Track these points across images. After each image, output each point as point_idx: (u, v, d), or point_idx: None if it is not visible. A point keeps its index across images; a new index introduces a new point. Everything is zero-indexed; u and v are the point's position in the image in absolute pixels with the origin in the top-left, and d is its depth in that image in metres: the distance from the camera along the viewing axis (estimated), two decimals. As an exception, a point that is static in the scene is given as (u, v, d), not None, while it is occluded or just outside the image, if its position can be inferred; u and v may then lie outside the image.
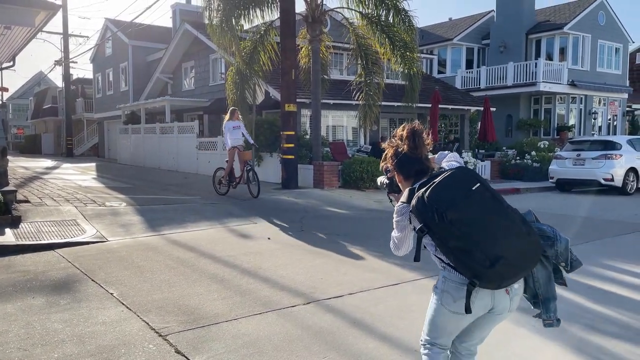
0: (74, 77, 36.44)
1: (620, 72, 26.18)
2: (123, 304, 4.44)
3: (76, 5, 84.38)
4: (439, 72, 26.38)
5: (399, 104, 14.79)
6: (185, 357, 3.39)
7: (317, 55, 12.97)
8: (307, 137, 14.11)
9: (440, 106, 16.41)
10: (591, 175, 12.69)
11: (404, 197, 2.34)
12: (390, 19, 13.08)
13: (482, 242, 2.04)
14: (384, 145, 2.57)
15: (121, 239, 7.17)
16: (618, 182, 12.42)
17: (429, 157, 2.47)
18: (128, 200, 10.51)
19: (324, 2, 13.04)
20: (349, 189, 12.31)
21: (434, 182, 2.18)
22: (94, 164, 23.88)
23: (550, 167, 13.85)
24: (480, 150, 18.38)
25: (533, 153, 16.37)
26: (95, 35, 35.49)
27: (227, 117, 11.10)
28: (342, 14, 13.46)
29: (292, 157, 12.20)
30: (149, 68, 26.48)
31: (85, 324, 3.96)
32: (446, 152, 2.57)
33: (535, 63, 22.43)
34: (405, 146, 2.41)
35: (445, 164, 2.44)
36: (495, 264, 2.02)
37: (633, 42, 27.43)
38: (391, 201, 2.60)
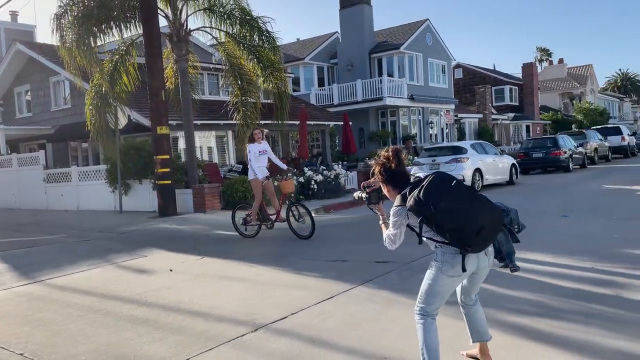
0: None
1: (447, 86, 29.79)
2: (42, 365, 3.84)
3: None
4: (294, 90, 27.26)
5: (267, 121, 14.98)
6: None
7: (185, 75, 12.58)
8: (180, 160, 13.52)
9: (300, 122, 16.93)
10: (446, 178, 14.18)
11: (397, 201, 2.99)
12: (256, 39, 13.27)
13: (469, 219, 2.78)
14: (371, 162, 3.18)
15: (-7, 293, 6.14)
16: (468, 181, 14.11)
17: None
18: (-20, 247, 9.02)
19: (189, 22, 12.73)
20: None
21: (423, 185, 2.85)
22: None
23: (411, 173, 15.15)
24: (343, 162, 19.38)
25: (392, 162, 17.76)
26: None
27: (248, 139, 9.19)
28: (211, 34, 13.28)
29: (169, 182, 11.62)
30: (-31, 94, 22.91)
31: (7, 396, 3.34)
32: (410, 167, 3.35)
33: (380, 80, 24.47)
34: (393, 164, 3.05)
35: (418, 174, 3.12)
36: (480, 232, 2.80)
37: (455, 60, 31.45)
38: (372, 210, 3.31)
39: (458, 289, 3.25)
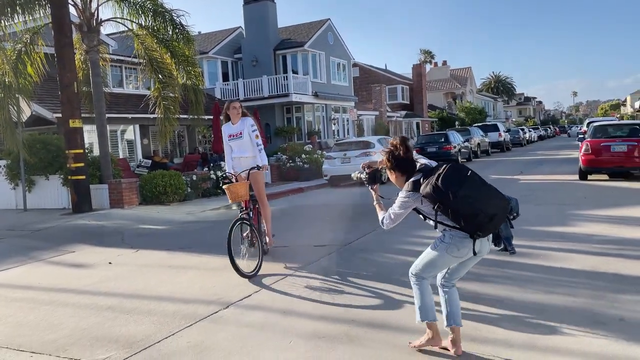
0: None
1: (348, 84, 31.19)
2: (21, 350, 3.87)
3: None
4: (197, 84, 26.87)
5: (182, 116, 14.86)
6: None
7: (96, 66, 12.15)
8: (91, 154, 13.00)
9: (213, 117, 16.95)
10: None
11: (408, 187, 3.22)
12: (170, 32, 13.15)
13: (483, 206, 3.04)
14: (379, 151, 3.43)
15: None
16: (376, 174, 15.17)
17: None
18: None
19: (100, 12, 12.28)
20: (151, 205, 11.91)
21: (440, 174, 3.07)
22: None
23: (323, 166, 15.97)
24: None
25: (303, 156, 18.43)
26: None
27: (224, 117, 6.42)
28: (126, 25, 12.86)
29: (83, 177, 11.21)
30: None
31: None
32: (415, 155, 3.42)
33: (285, 76, 25.03)
34: (401, 151, 3.26)
35: (422, 160, 3.35)
36: (492, 219, 3.08)
37: (354, 59, 32.94)
38: (372, 189, 3.56)
39: (442, 272, 3.42)
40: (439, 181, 3.03)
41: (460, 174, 3.09)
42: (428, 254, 3.31)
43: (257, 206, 6.30)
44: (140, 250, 7.70)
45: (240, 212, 5.93)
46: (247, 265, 5.53)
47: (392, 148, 3.30)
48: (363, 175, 3.54)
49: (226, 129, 6.36)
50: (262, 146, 6.32)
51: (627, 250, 5.84)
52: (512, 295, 4.53)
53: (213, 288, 5.31)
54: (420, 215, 3.34)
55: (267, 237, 6.39)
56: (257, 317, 4.34)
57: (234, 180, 6.20)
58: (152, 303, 4.94)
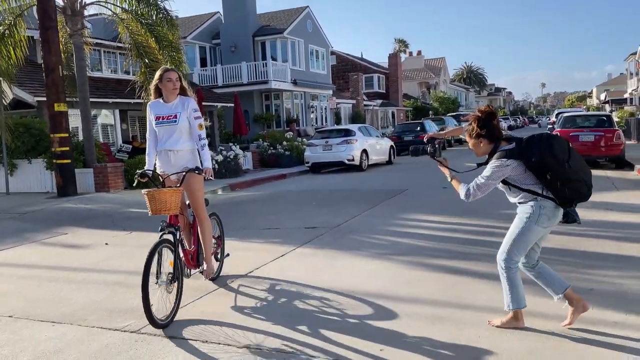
0: None
1: (326, 72, 31.42)
2: (41, 321, 4.12)
3: None
4: (175, 69, 26.66)
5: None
6: (183, 338, 3.65)
7: (80, 50, 12.13)
8: (74, 139, 13.00)
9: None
10: (338, 158, 15.59)
11: (504, 154, 3.21)
12: (154, 16, 13.17)
13: (584, 176, 3.24)
14: (467, 117, 3.48)
15: None
16: (357, 161, 15.63)
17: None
18: None
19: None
20: (137, 189, 11.99)
21: (550, 143, 3.16)
22: None
23: (305, 153, 16.30)
24: (235, 144, 19.82)
25: (284, 143, 18.69)
26: None
27: (153, 92, 4.54)
28: (110, 9, 12.82)
29: (69, 161, 11.25)
30: None
31: (33, 346, 3.65)
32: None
33: (265, 63, 25.12)
34: (494, 119, 3.31)
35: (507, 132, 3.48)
36: (590, 189, 3.28)
37: (332, 47, 33.15)
38: (441, 162, 3.57)
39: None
40: (554, 151, 3.13)
41: (564, 143, 3.22)
42: (514, 233, 3.34)
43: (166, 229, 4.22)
44: (134, 233, 7.91)
45: (162, 230, 4.17)
46: (165, 308, 3.92)
47: (483, 115, 3.28)
48: (429, 148, 3.58)
49: (154, 107, 4.50)
50: (206, 141, 4.61)
51: (593, 231, 6.37)
52: (494, 270, 4.97)
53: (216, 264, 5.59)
54: (506, 186, 3.34)
55: (205, 264, 4.69)
56: (266, 286, 4.71)
57: (159, 181, 4.52)
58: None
